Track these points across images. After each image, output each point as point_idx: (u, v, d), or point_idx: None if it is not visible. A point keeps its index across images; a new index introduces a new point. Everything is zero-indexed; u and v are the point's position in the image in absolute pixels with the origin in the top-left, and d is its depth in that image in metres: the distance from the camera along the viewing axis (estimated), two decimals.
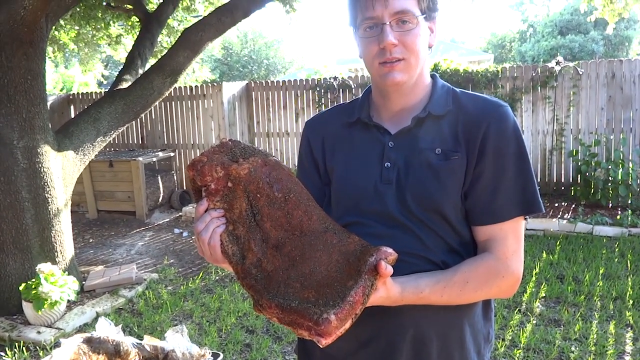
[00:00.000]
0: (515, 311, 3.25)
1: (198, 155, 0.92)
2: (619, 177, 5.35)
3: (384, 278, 0.81)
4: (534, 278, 3.79)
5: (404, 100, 0.99)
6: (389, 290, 0.84)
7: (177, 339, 1.33)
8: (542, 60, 19.16)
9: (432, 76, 1.03)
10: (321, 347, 0.76)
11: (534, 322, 3.11)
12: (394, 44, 0.90)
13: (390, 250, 0.82)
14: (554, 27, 21.77)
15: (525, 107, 6.05)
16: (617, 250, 4.33)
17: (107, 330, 1.34)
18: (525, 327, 3.05)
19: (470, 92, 1.01)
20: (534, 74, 5.98)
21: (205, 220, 0.87)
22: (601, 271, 3.85)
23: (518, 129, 0.94)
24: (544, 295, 3.50)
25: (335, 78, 6.72)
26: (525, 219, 0.96)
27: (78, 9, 6.01)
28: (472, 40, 35.50)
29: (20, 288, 3.19)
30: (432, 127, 0.95)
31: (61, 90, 15.59)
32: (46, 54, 3.80)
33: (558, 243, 4.57)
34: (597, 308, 3.28)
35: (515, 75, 6.06)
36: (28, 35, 3.29)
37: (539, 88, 5.97)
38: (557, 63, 5.90)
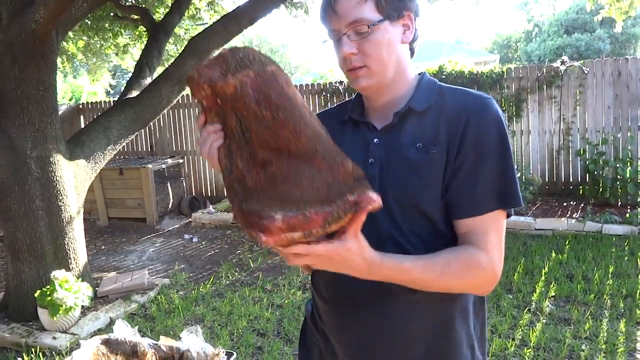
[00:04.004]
0: (525, 311, 3.25)
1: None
2: (628, 175, 5.33)
3: (356, 219, 0.77)
4: (543, 277, 3.80)
5: (384, 98, 1.00)
6: (364, 250, 0.80)
7: (192, 339, 1.37)
8: (549, 59, 19.09)
9: (421, 74, 1.03)
10: (261, 243, 0.75)
11: (544, 321, 3.12)
12: (352, 54, 0.94)
13: (374, 197, 0.77)
14: (560, 26, 21.71)
15: (532, 107, 6.05)
16: (626, 248, 4.31)
17: (124, 331, 1.39)
18: (535, 326, 3.05)
19: (457, 87, 1.00)
20: (539, 74, 5.98)
21: (203, 135, 0.89)
22: (611, 269, 3.85)
23: (500, 121, 0.92)
24: (553, 294, 3.50)
25: (341, 82, 6.77)
26: (508, 216, 0.94)
27: (87, 20, 6.12)
28: (478, 40, 35.47)
29: (36, 295, 3.25)
30: (415, 122, 0.96)
31: (70, 100, 15.80)
32: (57, 65, 3.89)
33: (567, 242, 4.57)
34: (607, 306, 3.28)
35: (521, 75, 6.07)
36: (39, 48, 3.36)
37: (545, 88, 5.97)
38: (562, 62, 5.90)
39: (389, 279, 0.87)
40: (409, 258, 0.88)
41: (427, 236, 0.94)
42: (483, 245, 0.90)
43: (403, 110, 0.96)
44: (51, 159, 3.53)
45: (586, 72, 5.81)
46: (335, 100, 6.72)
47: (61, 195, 3.58)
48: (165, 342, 1.46)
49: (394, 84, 0.98)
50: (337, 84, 6.77)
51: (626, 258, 4.08)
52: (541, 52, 21.75)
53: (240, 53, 0.84)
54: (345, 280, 0.89)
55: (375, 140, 0.98)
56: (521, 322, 3.11)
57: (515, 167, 5.98)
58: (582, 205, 5.59)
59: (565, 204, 5.70)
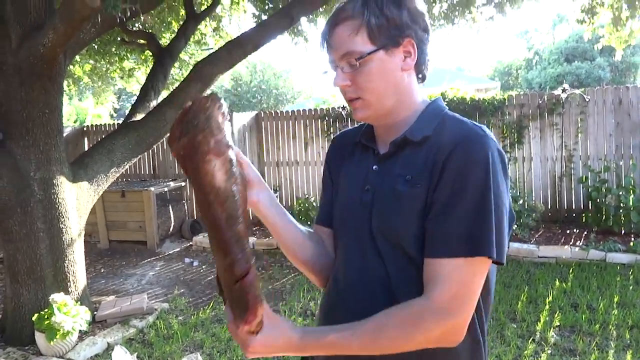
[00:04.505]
0: (530, 340, 3.20)
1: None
2: (631, 203, 5.31)
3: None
4: (547, 307, 3.74)
5: (386, 125, 0.98)
6: (284, 331, 0.85)
7: None
8: (549, 87, 19.27)
9: (434, 102, 0.99)
10: None
11: (549, 351, 3.06)
12: (346, 85, 0.93)
13: (256, 321, 0.82)
14: (560, 55, 21.99)
15: (533, 134, 6.08)
16: (631, 277, 4.26)
17: (123, 358, 1.35)
18: (540, 357, 2.99)
19: (460, 118, 0.94)
20: (540, 102, 6.03)
21: None
22: (616, 299, 3.79)
23: (488, 161, 0.84)
24: (558, 324, 3.45)
25: (344, 107, 6.82)
26: (499, 263, 0.85)
27: (94, 45, 6.21)
28: (478, 68, 35.85)
29: (34, 318, 3.21)
30: (410, 152, 0.92)
31: (75, 122, 15.90)
32: (63, 88, 3.93)
33: (571, 270, 4.52)
34: (613, 337, 3.22)
35: (522, 102, 6.12)
36: (47, 71, 3.41)
37: (547, 115, 6.01)
38: (564, 90, 5.95)
39: (321, 353, 0.88)
40: (334, 329, 0.87)
41: (413, 278, 0.89)
42: (438, 294, 0.83)
43: (398, 140, 0.94)
44: (54, 181, 3.53)
45: (587, 99, 5.86)
46: (338, 126, 6.77)
47: (63, 218, 3.57)
48: None
49: (395, 112, 0.96)
50: (340, 109, 6.83)
51: (631, 287, 4.02)
52: (542, 79, 21.97)
53: (190, 113, 0.79)
54: (333, 312, 0.98)
55: (374, 167, 0.97)
56: (526, 352, 3.06)
57: (519, 193, 5.91)
58: (586, 233, 5.55)
59: (568, 232, 5.66)
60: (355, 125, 1.11)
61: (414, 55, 0.94)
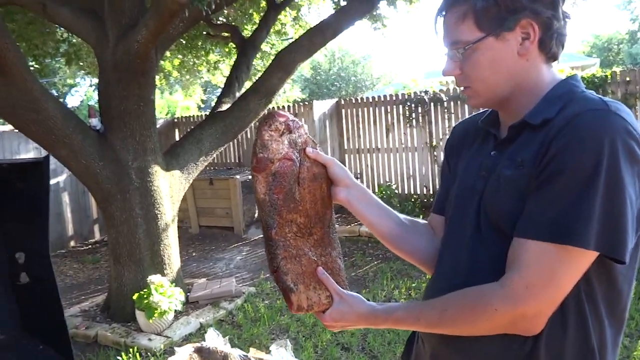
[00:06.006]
0: (639, 340, 2.91)
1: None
2: None
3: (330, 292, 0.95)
4: None
5: (507, 111, 0.93)
6: (354, 307, 0.93)
7: (281, 353, 1.35)
8: None
9: (562, 82, 0.89)
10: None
11: None
12: (456, 74, 0.91)
13: (294, 306, 0.92)
14: None
15: None
16: None
17: (215, 341, 1.41)
18: None
19: (590, 95, 0.83)
20: None
21: None
22: None
23: (602, 141, 0.74)
24: None
25: (426, 92, 6.60)
26: (616, 260, 0.77)
27: (182, 40, 6.52)
28: (573, 44, 33.12)
29: (134, 297, 3.46)
30: (527, 136, 0.85)
31: (166, 114, 16.94)
32: (155, 82, 4.16)
33: None
34: None
35: (628, 79, 5.54)
36: (140, 66, 3.61)
37: None
38: None
39: (391, 326, 0.95)
40: (403, 306, 0.94)
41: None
42: (513, 278, 0.79)
43: (517, 124, 0.88)
44: (149, 170, 3.76)
45: None
46: (420, 111, 6.56)
47: (158, 204, 3.79)
48: (254, 354, 1.46)
49: (514, 98, 0.89)
50: (422, 94, 6.61)
51: None
52: None
53: (256, 142, 0.93)
54: (432, 292, 0.94)
55: (492, 152, 0.92)
56: (635, 352, 2.78)
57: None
58: None
59: None
60: (480, 111, 1.04)
61: (535, 36, 0.85)
